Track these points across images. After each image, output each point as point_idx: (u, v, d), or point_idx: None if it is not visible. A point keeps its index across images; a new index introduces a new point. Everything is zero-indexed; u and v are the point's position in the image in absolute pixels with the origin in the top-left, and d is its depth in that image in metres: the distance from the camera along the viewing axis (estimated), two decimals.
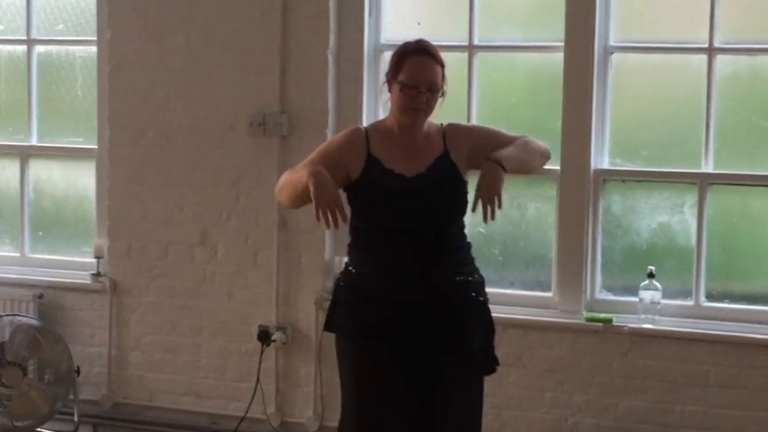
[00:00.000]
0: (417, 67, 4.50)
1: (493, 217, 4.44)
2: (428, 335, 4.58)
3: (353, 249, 4.70)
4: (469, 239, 4.77)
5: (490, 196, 4.40)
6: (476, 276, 4.70)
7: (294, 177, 4.51)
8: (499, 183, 4.41)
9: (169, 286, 6.95)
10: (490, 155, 4.43)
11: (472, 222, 6.33)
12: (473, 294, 4.65)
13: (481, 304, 4.67)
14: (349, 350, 4.69)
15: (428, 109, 4.53)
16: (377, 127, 4.66)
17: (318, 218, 4.37)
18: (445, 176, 4.56)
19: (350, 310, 4.67)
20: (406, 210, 4.55)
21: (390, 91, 4.56)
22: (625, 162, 6.29)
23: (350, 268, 4.69)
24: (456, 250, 4.65)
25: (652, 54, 6.26)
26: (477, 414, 4.74)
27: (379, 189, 4.56)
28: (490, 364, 4.73)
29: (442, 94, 4.57)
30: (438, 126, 4.65)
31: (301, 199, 4.51)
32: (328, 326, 4.76)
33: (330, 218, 4.35)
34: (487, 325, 4.70)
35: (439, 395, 4.64)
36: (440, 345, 4.58)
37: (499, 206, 4.45)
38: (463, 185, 4.61)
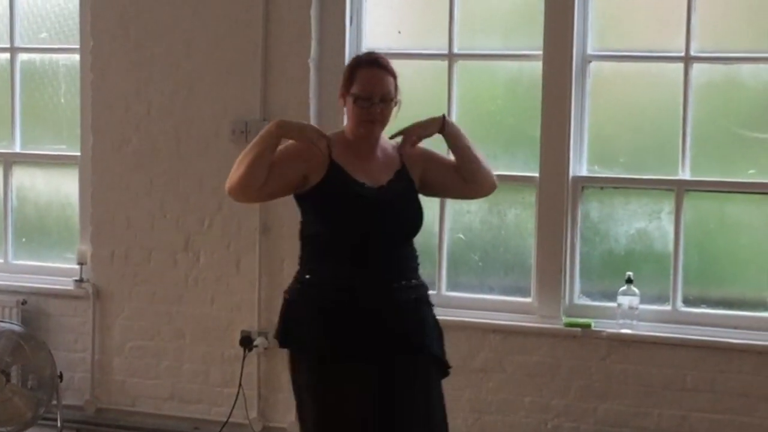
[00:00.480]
0: (369, 78, 4.48)
1: (404, 150, 4.58)
2: (390, 341, 4.52)
3: (309, 258, 4.62)
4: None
5: (413, 130, 4.55)
6: (424, 282, 4.70)
7: (248, 154, 4.49)
8: (428, 129, 4.59)
9: (152, 292, 6.94)
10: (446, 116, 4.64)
11: (452, 228, 6.42)
12: (426, 298, 4.65)
13: (432, 308, 4.68)
14: (311, 374, 4.59)
15: (383, 119, 4.51)
16: (339, 136, 4.60)
17: (313, 140, 4.45)
18: (405, 190, 4.58)
19: (310, 328, 4.57)
20: (375, 219, 4.52)
21: (345, 104, 4.54)
22: (603, 169, 6.31)
23: (306, 277, 4.60)
24: (412, 259, 4.64)
25: (629, 62, 6.28)
26: (442, 412, 4.66)
27: (346, 195, 4.52)
28: (445, 367, 4.73)
29: (396, 104, 4.54)
30: (392, 143, 4.63)
31: (264, 160, 4.45)
32: (285, 343, 4.64)
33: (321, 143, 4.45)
34: (439, 328, 4.70)
35: (398, 396, 4.55)
36: (403, 347, 4.53)
37: (412, 145, 4.58)
38: (418, 200, 4.64)
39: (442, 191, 4.91)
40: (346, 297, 4.51)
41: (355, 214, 4.52)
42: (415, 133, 4.58)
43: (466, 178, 4.66)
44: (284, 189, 4.61)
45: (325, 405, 4.55)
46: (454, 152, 4.65)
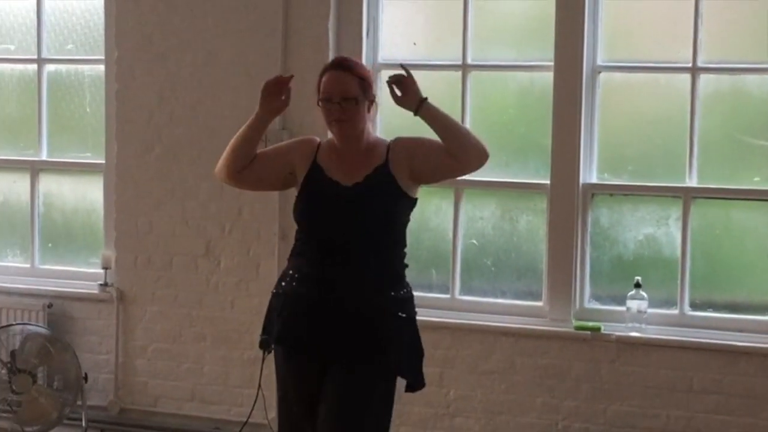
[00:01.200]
0: (330, 80, 4.51)
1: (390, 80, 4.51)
2: (339, 345, 4.51)
3: (290, 255, 4.70)
4: (402, 268, 4.64)
5: (398, 78, 4.48)
6: (403, 292, 4.59)
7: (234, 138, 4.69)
8: (411, 86, 4.47)
9: (174, 295, 6.94)
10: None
11: (465, 234, 6.38)
12: (396, 310, 4.54)
13: (405, 321, 4.56)
14: (277, 359, 4.72)
15: (349, 118, 4.50)
16: (329, 141, 4.64)
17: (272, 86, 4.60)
18: (379, 186, 4.51)
19: (275, 317, 4.66)
20: (336, 217, 4.52)
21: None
22: (612, 176, 6.30)
23: (284, 273, 4.68)
24: (386, 265, 4.56)
25: (638, 73, 6.28)
26: (370, 418, 4.54)
27: (316, 195, 4.56)
28: (415, 378, 4.62)
29: (370, 103, 4.56)
30: (385, 141, 4.63)
31: (244, 143, 4.65)
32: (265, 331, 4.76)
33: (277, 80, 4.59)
34: (410, 341, 4.59)
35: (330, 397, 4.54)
36: (349, 354, 4.50)
37: (400, 91, 4.50)
38: (402, 198, 4.54)
39: (436, 175, 4.69)
40: (304, 292, 4.54)
41: (315, 215, 4.56)
42: (405, 81, 4.50)
43: (454, 155, 4.49)
44: (270, 179, 4.72)
45: (277, 389, 4.75)
46: (435, 132, 4.52)
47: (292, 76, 4.60)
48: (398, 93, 4.51)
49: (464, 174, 4.68)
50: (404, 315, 4.57)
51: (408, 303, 4.61)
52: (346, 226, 4.51)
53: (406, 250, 4.66)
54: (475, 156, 4.53)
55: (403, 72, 4.52)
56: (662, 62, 6.20)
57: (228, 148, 4.70)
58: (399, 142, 4.59)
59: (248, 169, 4.67)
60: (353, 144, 4.55)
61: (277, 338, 4.66)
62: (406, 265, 4.66)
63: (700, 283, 6.19)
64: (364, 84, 4.54)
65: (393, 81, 4.49)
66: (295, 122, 6.52)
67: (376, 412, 4.52)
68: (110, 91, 7.01)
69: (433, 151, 4.53)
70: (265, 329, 4.73)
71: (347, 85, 4.49)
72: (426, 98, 4.49)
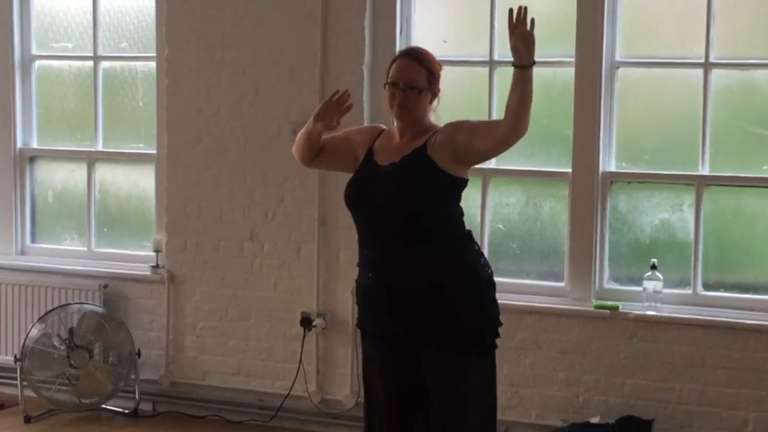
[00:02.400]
0: (399, 67, 4.48)
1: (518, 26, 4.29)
2: (397, 326, 4.45)
3: None
4: (454, 243, 4.47)
5: (523, 32, 4.28)
6: (456, 267, 4.42)
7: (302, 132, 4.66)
8: (524, 48, 4.29)
9: (221, 277, 6.96)
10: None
11: (492, 219, 6.36)
12: (439, 285, 4.40)
13: (448, 294, 4.40)
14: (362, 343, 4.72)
15: (410, 106, 4.44)
16: (391, 129, 4.60)
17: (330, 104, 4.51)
18: (413, 165, 4.40)
19: (358, 307, 4.68)
20: (367, 195, 4.47)
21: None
22: (630, 165, 6.28)
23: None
24: (428, 242, 4.41)
25: (654, 68, 6.25)
26: (467, 395, 4.43)
27: (356, 178, 4.56)
28: (490, 341, 4.49)
29: (434, 95, 4.50)
30: (437, 126, 4.50)
31: (305, 141, 4.62)
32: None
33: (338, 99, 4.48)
34: (473, 314, 4.44)
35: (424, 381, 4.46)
36: (415, 341, 4.42)
37: (522, 43, 4.29)
38: (439, 176, 4.40)
39: (479, 154, 4.49)
40: (361, 273, 4.56)
41: (355, 193, 4.52)
42: (522, 33, 4.29)
43: (506, 122, 4.34)
44: (339, 164, 4.71)
45: (365, 370, 4.72)
46: (511, 94, 4.36)
47: (350, 106, 4.51)
48: (521, 33, 4.28)
49: (503, 149, 4.51)
50: (464, 288, 4.43)
51: (467, 275, 4.45)
52: (380, 205, 4.44)
53: (462, 220, 4.52)
54: (520, 124, 4.38)
55: (531, 30, 4.31)
56: (677, 58, 6.17)
57: (297, 140, 4.73)
58: (449, 125, 4.48)
59: (319, 156, 4.68)
60: (409, 129, 4.49)
61: (357, 323, 4.71)
62: (466, 234, 4.50)
63: (712, 265, 6.17)
64: (431, 77, 4.48)
65: (521, 31, 4.27)
66: None
67: (473, 386, 4.42)
68: (161, 86, 7.02)
69: (473, 130, 4.41)
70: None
71: (414, 74, 4.45)
72: (534, 62, 4.33)
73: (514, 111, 4.31)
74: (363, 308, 4.60)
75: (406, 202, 4.39)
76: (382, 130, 4.64)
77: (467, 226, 4.56)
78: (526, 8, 4.27)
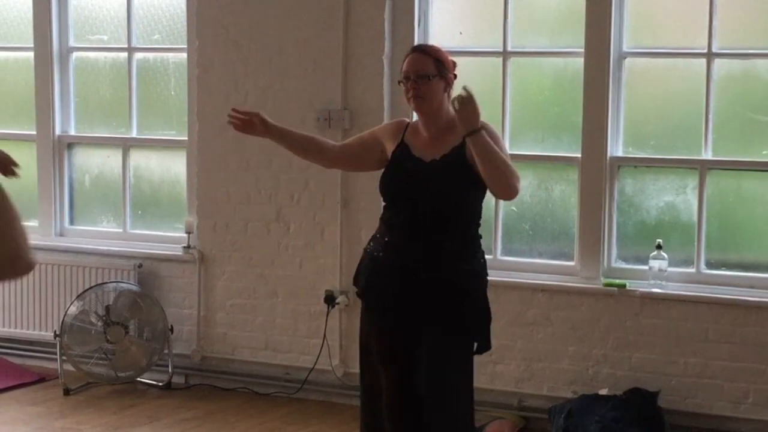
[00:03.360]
0: (409, 61, 4.53)
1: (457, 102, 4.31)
2: (413, 308, 4.49)
3: (380, 219, 4.69)
4: (475, 241, 4.57)
5: (462, 99, 4.29)
6: (473, 263, 4.52)
7: None
8: (473, 109, 4.28)
9: (249, 257, 6.99)
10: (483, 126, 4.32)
11: (505, 203, 6.30)
12: (465, 280, 4.50)
13: (472, 290, 4.51)
14: (361, 312, 4.74)
15: (423, 94, 4.47)
16: (416, 122, 4.64)
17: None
18: (453, 166, 4.46)
19: (361, 271, 4.71)
20: (413, 190, 4.50)
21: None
22: (636, 150, 6.30)
23: (374, 234, 4.69)
24: (456, 238, 4.49)
25: (659, 58, 6.28)
26: (452, 385, 4.52)
27: (400, 169, 4.56)
28: (485, 342, 4.59)
29: (447, 83, 4.51)
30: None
31: (287, 145, 4.77)
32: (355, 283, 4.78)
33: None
34: (479, 307, 4.55)
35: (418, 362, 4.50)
36: (424, 318, 4.47)
37: (459, 105, 4.29)
38: (475, 177, 4.41)
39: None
40: (380, 253, 4.58)
41: (397, 184, 4.56)
42: (464, 102, 4.30)
43: (488, 186, 4.43)
44: (367, 162, 4.77)
45: (359, 339, 4.74)
46: (477, 161, 4.36)
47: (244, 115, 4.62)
48: (456, 108, 4.33)
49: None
50: (472, 285, 4.52)
51: (477, 275, 4.55)
52: (421, 200, 4.48)
53: (480, 221, 4.61)
54: (503, 193, 4.51)
55: (465, 93, 4.34)
56: (681, 48, 6.19)
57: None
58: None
59: (343, 157, 4.78)
60: (432, 121, 4.52)
61: (360, 292, 4.72)
62: (480, 236, 4.61)
63: (714, 244, 6.19)
64: (439, 65, 4.50)
65: (457, 99, 4.32)
66: (354, 101, 6.61)
67: (457, 368, 4.53)
68: (192, 76, 7.05)
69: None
70: (355, 279, 4.77)
71: (422, 64, 4.48)
72: (481, 129, 4.32)
73: (493, 181, 4.37)
74: (370, 281, 4.63)
75: (445, 199, 4.47)
76: (408, 124, 4.67)
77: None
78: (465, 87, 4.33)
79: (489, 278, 4.70)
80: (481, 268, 4.60)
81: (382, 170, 4.69)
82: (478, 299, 4.57)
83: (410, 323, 4.49)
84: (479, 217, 4.61)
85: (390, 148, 4.65)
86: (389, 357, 4.54)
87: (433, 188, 4.47)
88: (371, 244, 4.68)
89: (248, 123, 4.65)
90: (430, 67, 4.49)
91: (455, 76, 4.60)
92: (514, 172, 4.43)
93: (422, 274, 4.48)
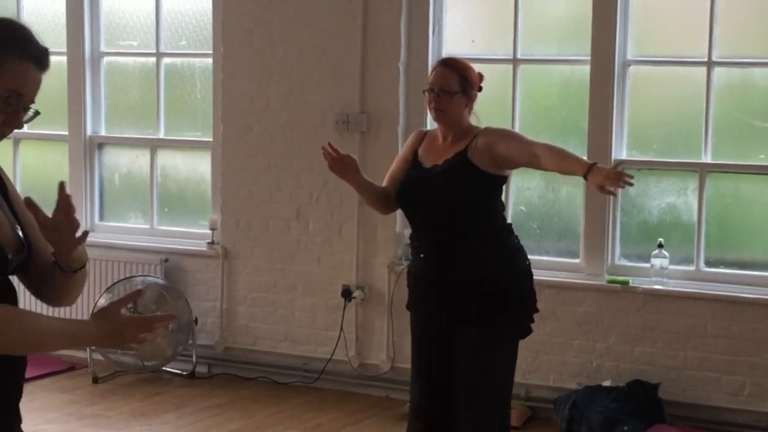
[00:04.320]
0: (435, 74, 4.47)
1: (615, 192, 4.20)
2: (441, 312, 4.46)
3: None
4: (495, 236, 4.45)
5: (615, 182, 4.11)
6: (494, 258, 4.39)
7: None
8: (606, 175, 4.10)
9: (270, 253, 7.01)
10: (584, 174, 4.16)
11: (515, 201, 6.31)
12: (480, 278, 4.38)
13: (490, 284, 4.38)
14: (411, 321, 4.71)
15: (444, 108, 4.42)
16: (433, 130, 4.59)
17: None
18: (454, 169, 4.39)
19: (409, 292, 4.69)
20: (415, 195, 4.48)
21: None
22: (639, 154, 6.31)
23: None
24: (469, 238, 4.39)
25: (661, 66, 6.29)
26: (492, 380, 4.42)
27: (406, 179, 4.54)
28: (521, 329, 4.48)
29: (469, 99, 4.45)
30: (477, 129, 4.48)
31: (367, 196, 4.64)
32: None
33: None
34: (502, 299, 4.40)
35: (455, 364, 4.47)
36: (451, 319, 4.43)
37: (623, 186, 4.12)
38: (481, 178, 4.36)
39: (512, 165, 4.50)
40: (412, 260, 4.60)
41: (404, 192, 4.53)
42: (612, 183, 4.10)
43: (546, 169, 4.42)
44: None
45: (413, 346, 4.69)
46: (565, 160, 4.34)
47: None
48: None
49: (530, 166, 4.50)
50: (491, 280, 4.39)
51: (502, 268, 4.43)
52: (426, 204, 4.44)
53: (502, 216, 4.53)
54: (544, 167, 4.43)
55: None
56: (682, 57, 6.19)
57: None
58: (485, 132, 4.44)
59: (392, 193, 4.59)
60: (449, 131, 4.46)
61: (407, 305, 4.69)
62: (506, 229, 4.50)
63: (713, 244, 6.19)
64: (464, 82, 4.43)
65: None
66: (371, 105, 6.62)
67: (492, 367, 4.41)
68: (217, 80, 7.08)
69: (513, 147, 4.39)
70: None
71: (447, 80, 4.41)
72: (591, 169, 4.16)
73: (553, 162, 4.33)
74: (412, 293, 4.62)
75: (448, 202, 4.39)
76: (426, 133, 4.63)
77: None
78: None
79: None
80: (508, 257, 4.44)
81: None
82: (511, 291, 4.44)
83: (444, 327, 4.47)
84: (499, 212, 4.52)
85: (411, 159, 4.62)
86: (427, 366, 4.55)
87: (437, 194, 4.41)
88: (410, 257, 4.67)
89: (340, 162, 4.50)
90: (453, 84, 4.42)
91: (481, 88, 4.54)
92: (537, 144, 4.38)
93: (447, 278, 4.41)
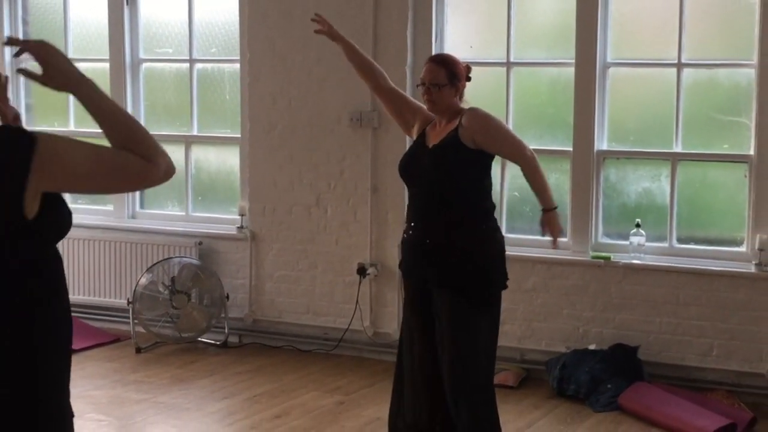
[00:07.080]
0: (425, 70, 4.60)
1: (555, 245, 4.62)
2: (427, 276, 4.54)
3: None
4: (481, 211, 4.53)
5: (554, 233, 4.55)
6: (470, 234, 4.48)
7: None
8: (556, 223, 4.56)
9: (293, 235, 7.11)
10: (543, 207, 4.51)
11: (509, 188, 6.39)
12: (460, 247, 4.48)
13: (468, 255, 4.47)
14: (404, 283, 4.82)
15: (435, 100, 4.54)
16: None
17: None
18: (447, 149, 4.50)
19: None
20: (412, 167, 4.62)
21: None
22: (618, 144, 6.40)
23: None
24: (454, 210, 4.48)
25: (638, 68, 6.36)
26: (472, 345, 4.47)
27: (411, 154, 4.69)
28: (479, 300, 4.51)
29: (457, 90, 4.54)
30: (463, 109, 4.57)
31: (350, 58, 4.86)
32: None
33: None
34: (472, 271, 4.48)
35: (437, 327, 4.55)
36: (434, 283, 4.52)
37: (561, 235, 4.59)
38: (465, 154, 4.45)
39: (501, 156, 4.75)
40: (405, 234, 4.69)
41: (402, 165, 4.70)
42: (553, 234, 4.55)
43: (525, 171, 4.57)
44: (399, 117, 4.83)
45: (403, 305, 4.84)
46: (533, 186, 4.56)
47: None
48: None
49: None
50: (471, 247, 4.47)
51: (479, 241, 4.49)
52: (421, 178, 4.55)
53: (488, 198, 4.57)
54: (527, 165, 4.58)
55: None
56: (655, 60, 6.28)
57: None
58: (470, 114, 4.51)
59: (387, 94, 4.79)
60: (442, 116, 4.58)
61: (399, 264, 4.85)
62: (489, 210, 4.56)
63: (684, 223, 6.28)
64: (451, 76, 4.52)
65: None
66: (382, 106, 6.31)
67: (469, 327, 4.46)
68: (244, 83, 7.16)
69: (495, 147, 4.53)
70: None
71: (436, 74, 4.52)
72: (554, 209, 4.56)
73: (530, 179, 4.57)
74: (404, 256, 4.76)
75: (440, 176, 4.50)
76: (434, 119, 4.72)
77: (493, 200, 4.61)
78: None
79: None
80: (485, 235, 4.52)
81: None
82: (482, 265, 4.50)
83: (426, 289, 4.57)
84: (485, 193, 4.57)
85: (416, 130, 4.75)
86: (417, 326, 4.67)
87: (430, 169, 4.50)
88: (405, 225, 4.78)
89: (327, 26, 4.77)
90: (442, 78, 4.53)
91: (469, 78, 4.65)
92: (524, 150, 4.54)
93: (430, 244, 4.52)
